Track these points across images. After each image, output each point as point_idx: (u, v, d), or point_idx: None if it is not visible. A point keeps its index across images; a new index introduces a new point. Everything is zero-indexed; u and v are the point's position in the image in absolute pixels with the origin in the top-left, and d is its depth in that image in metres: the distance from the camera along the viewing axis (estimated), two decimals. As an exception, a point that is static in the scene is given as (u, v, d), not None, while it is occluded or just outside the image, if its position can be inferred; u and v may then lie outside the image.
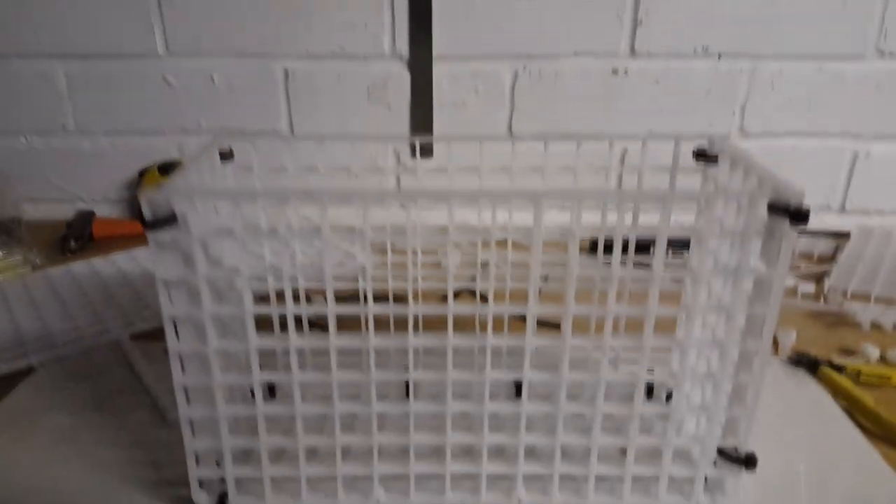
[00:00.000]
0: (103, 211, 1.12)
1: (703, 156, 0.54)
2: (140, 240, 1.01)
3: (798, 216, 0.39)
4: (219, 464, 0.47)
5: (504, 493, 0.49)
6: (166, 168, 1.05)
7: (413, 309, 0.43)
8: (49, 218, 1.11)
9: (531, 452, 0.51)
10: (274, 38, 1.01)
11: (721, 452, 0.47)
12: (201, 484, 0.47)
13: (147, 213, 0.39)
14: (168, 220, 0.40)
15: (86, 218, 1.06)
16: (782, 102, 1.02)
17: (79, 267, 0.90)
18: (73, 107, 1.07)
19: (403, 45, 1.01)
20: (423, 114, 1.05)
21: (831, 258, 0.95)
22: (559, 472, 0.48)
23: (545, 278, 0.44)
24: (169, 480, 0.51)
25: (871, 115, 1.02)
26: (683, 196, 0.42)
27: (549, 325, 0.73)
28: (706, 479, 0.48)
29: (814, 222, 1.04)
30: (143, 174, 1.08)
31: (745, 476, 0.47)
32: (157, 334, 0.73)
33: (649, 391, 0.61)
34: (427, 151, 1.06)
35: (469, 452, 0.50)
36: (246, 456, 0.50)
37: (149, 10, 1.00)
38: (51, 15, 1.01)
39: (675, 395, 0.46)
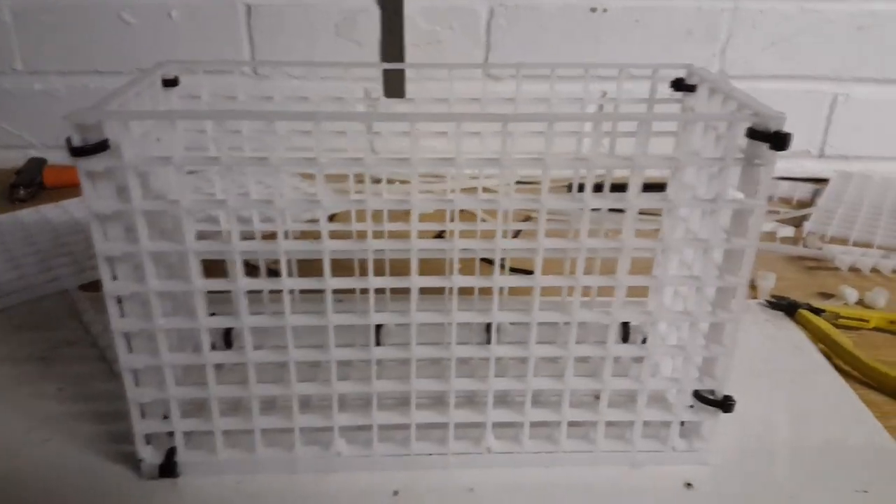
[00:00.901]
0: (57, 158, 1.06)
1: (681, 85, 0.51)
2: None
3: (779, 141, 0.36)
4: (166, 417, 0.44)
5: (473, 441, 0.46)
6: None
7: (372, 244, 0.40)
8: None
9: (502, 399, 0.49)
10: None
11: (697, 395, 0.45)
12: (148, 439, 0.44)
13: (75, 138, 0.35)
14: (99, 146, 0.36)
15: (37, 165, 1.00)
16: (764, 43, 0.98)
17: (28, 214, 0.85)
18: (21, 45, 1.01)
19: (371, -21, 0.95)
20: (395, 51, 1.00)
21: (810, 203, 0.93)
22: (530, 419, 0.45)
23: (516, 234, 0.41)
24: (114, 435, 0.48)
25: (852, 57, 0.99)
26: (660, 117, 0.39)
27: (523, 272, 0.70)
28: (682, 423, 0.46)
29: (794, 167, 1.04)
30: (97, 118, 1.03)
31: (722, 419, 0.45)
32: (109, 283, 0.70)
33: (625, 333, 0.59)
34: (398, 91, 1.02)
35: (437, 401, 0.48)
36: (196, 408, 0.47)
37: (98, -60, 0.94)
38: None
39: (650, 335, 0.44)
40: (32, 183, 0.96)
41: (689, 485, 0.45)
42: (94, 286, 0.69)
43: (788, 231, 0.83)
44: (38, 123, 1.06)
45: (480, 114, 0.39)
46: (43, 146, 1.07)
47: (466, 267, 0.58)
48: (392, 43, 0.99)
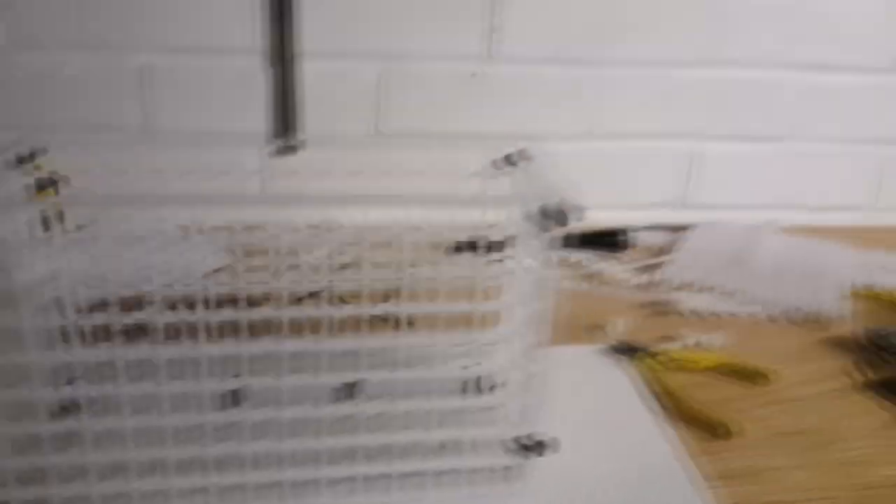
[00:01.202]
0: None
1: (510, 160, 0.58)
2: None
3: (561, 218, 0.42)
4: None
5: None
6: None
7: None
8: None
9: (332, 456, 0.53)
10: (129, 31, 0.98)
11: (516, 441, 0.50)
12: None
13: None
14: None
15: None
16: (627, 106, 1.08)
17: None
18: None
19: (265, 41, 1.00)
20: (287, 112, 1.05)
21: (668, 250, 1.02)
22: (363, 473, 0.50)
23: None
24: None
25: (708, 118, 1.10)
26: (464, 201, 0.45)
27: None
28: (505, 467, 0.52)
29: (658, 217, 1.13)
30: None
31: (541, 461, 0.51)
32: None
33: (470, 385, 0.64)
34: (290, 149, 1.07)
35: (274, 460, 0.51)
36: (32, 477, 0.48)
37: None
38: None
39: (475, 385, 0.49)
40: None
41: (510, 523, 0.50)
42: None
43: (642, 278, 0.91)
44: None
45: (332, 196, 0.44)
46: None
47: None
48: (285, 104, 1.04)
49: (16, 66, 1.00)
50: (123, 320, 0.45)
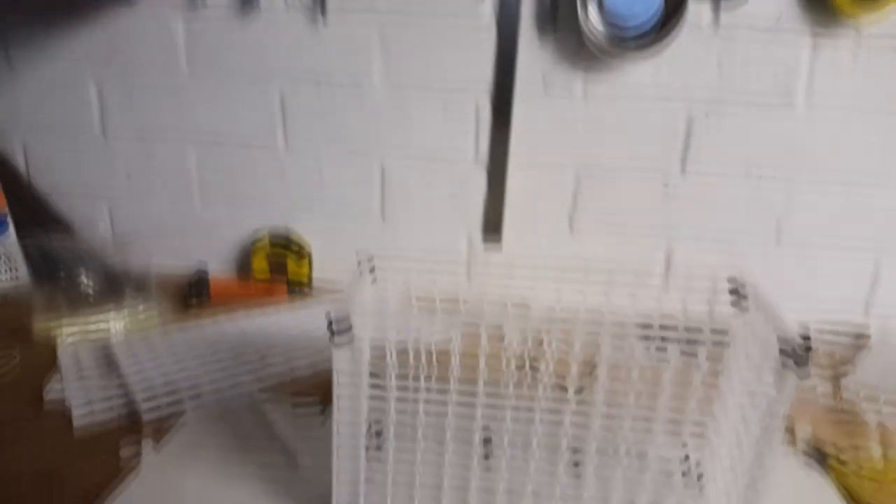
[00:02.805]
0: (215, 268, 1.31)
1: (734, 292, 0.69)
2: (249, 299, 1.19)
3: (798, 359, 0.54)
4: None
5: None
6: (276, 240, 1.24)
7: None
8: (170, 273, 1.30)
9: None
10: (377, 139, 1.20)
11: (737, 530, 0.61)
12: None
13: (334, 325, 0.56)
14: (347, 329, 0.56)
15: (203, 277, 1.25)
16: (814, 219, 1.16)
17: (208, 324, 1.08)
18: (201, 184, 1.27)
19: (484, 152, 1.18)
20: (496, 209, 1.22)
21: (851, 358, 1.08)
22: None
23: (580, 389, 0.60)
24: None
25: (892, 233, 1.16)
26: (720, 337, 0.57)
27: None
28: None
29: (839, 321, 1.18)
30: (255, 242, 1.27)
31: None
32: (280, 387, 0.90)
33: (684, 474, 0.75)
34: (496, 240, 1.24)
35: None
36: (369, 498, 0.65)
37: (273, 110, 1.20)
38: (191, 105, 1.22)
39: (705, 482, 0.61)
40: (201, 293, 1.20)
41: None
42: (271, 389, 0.89)
43: (827, 387, 0.98)
44: (204, 243, 1.31)
45: (560, 318, 0.58)
46: (207, 259, 1.32)
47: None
48: (493, 204, 1.21)
49: (286, 161, 1.23)
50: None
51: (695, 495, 0.62)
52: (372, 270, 0.72)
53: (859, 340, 1.12)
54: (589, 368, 0.61)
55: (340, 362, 0.58)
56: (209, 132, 1.23)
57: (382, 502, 0.63)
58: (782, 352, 0.55)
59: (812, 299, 1.20)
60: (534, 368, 0.62)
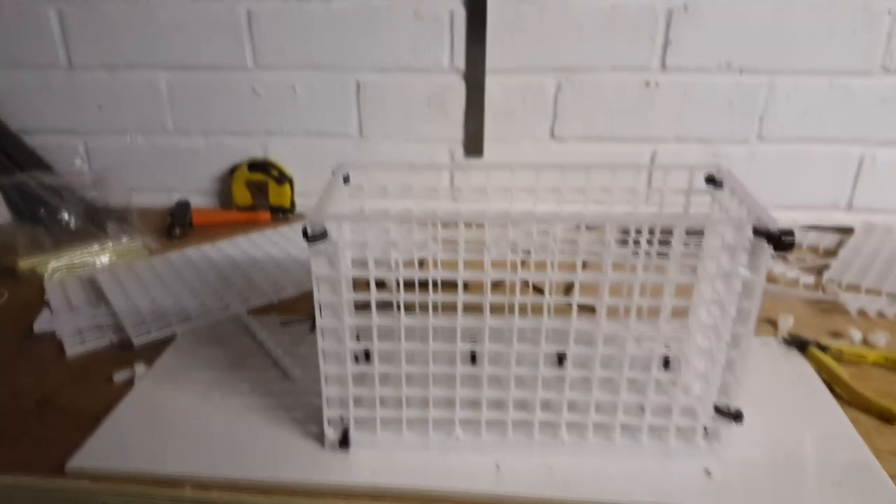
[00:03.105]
0: (196, 200, 1.30)
1: (711, 181, 0.69)
2: (234, 227, 1.19)
3: (772, 239, 0.54)
4: (342, 407, 0.64)
5: (551, 436, 0.65)
6: (255, 165, 1.22)
7: (488, 298, 0.59)
8: (151, 206, 1.29)
9: (573, 406, 0.67)
10: (350, 54, 1.17)
11: (716, 409, 0.62)
12: (329, 422, 0.64)
13: (309, 230, 0.56)
14: (322, 235, 0.56)
15: (184, 207, 1.24)
16: (797, 113, 1.15)
17: (192, 252, 1.08)
18: (173, 110, 1.24)
19: (461, 60, 1.16)
20: (476, 120, 1.20)
21: (834, 251, 1.09)
22: (593, 420, 0.64)
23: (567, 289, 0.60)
24: (300, 420, 0.69)
25: (876, 124, 1.15)
26: (693, 221, 0.57)
27: (587, 309, 0.89)
28: (705, 429, 0.64)
29: (823, 218, 1.19)
30: (233, 170, 1.25)
31: (734, 427, 0.63)
32: (268, 309, 0.91)
33: (667, 363, 0.76)
34: (477, 151, 1.22)
35: (526, 405, 0.66)
36: (360, 402, 0.67)
37: (240, 30, 1.17)
38: (158, 34, 1.18)
39: (682, 366, 0.62)
40: (184, 223, 1.19)
41: (707, 472, 0.63)
42: (259, 311, 0.90)
43: (809, 278, 0.99)
44: (183, 172, 1.30)
45: (555, 215, 0.58)
46: (186, 190, 1.31)
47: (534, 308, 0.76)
48: (473, 114, 1.19)
49: (258, 82, 1.21)
50: (396, 299, 0.60)
51: (673, 381, 0.63)
52: (346, 180, 0.71)
53: (843, 234, 1.13)
54: (568, 269, 0.61)
55: (319, 268, 0.58)
56: (178, 56, 1.20)
57: (371, 403, 0.64)
58: (755, 231, 0.55)
59: (797, 196, 1.20)
60: (518, 272, 0.62)
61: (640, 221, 0.56)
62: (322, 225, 0.56)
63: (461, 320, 0.61)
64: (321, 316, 0.60)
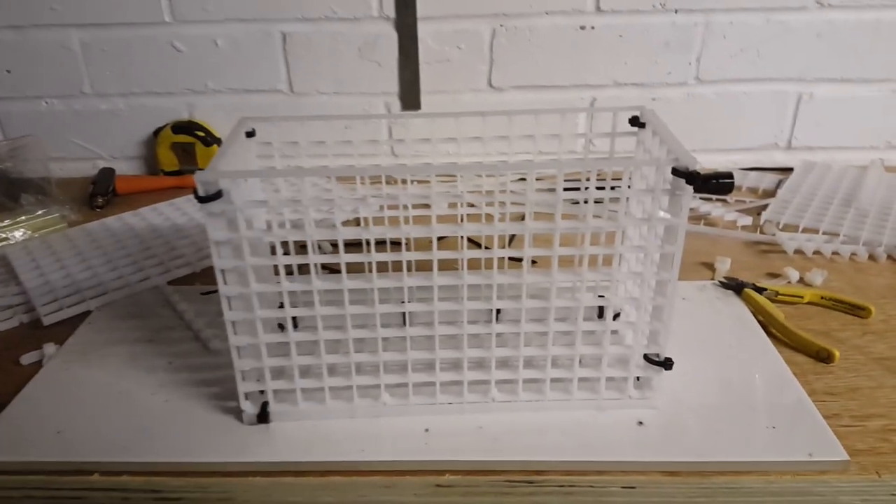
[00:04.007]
0: (122, 167, 1.24)
1: (636, 123, 0.66)
2: (160, 194, 1.14)
3: (692, 178, 0.52)
4: (259, 380, 0.61)
5: (482, 394, 0.63)
6: (179, 127, 1.17)
7: (406, 255, 0.56)
8: (73, 176, 1.23)
9: (503, 363, 0.65)
10: (272, 4, 1.11)
11: (646, 357, 0.61)
12: (247, 396, 0.61)
13: (200, 190, 0.52)
14: (216, 195, 0.52)
15: (108, 175, 1.17)
16: (734, 51, 1.12)
17: (112, 221, 1.02)
18: (90, 72, 1.17)
19: (390, 7, 1.10)
20: (410, 69, 1.15)
21: (774, 192, 1.08)
22: (523, 377, 0.62)
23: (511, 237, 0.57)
24: (217, 395, 0.65)
25: (813, 60, 1.13)
26: (607, 164, 0.54)
27: (515, 261, 0.86)
28: (637, 378, 0.63)
29: (763, 159, 1.18)
30: (157, 133, 1.19)
31: (666, 375, 0.61)
32: (190, 279, 0.87)
33: (601, 313, 0.75)
34: (414, 104, 1.18)
35: (455, 365, 0.64)
36: (280, 373, 0.63)
37: (154, -19, 1.09)
38: (64, -11, 1.10)
39: (606, 314, 0.60)
40: (107, 191, 1.13)
41: (640, 423, 0.61)
42: (180, 281, 0.86)
43: (747, 220, 0.98)
44: (105, 138, 1.23)
45: (479, 164, 0.54)
46: (110, 157, 1.24)
47: (474, 263, 0.73)
48: (407, 62, 1.14)
49: (178, 38, 1.14)
50: (318, 260, 0.57)
51: (605, 331, 0.61)
52: (251, 133, 0.66)
53: (783, 175, 1.12)
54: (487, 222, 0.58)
55: (216, 231, 0.54)
56: (90, 13, 1.12)
57: (291, 374, 0.61)
58: (675, 171, 0.52)
59: (737, 138, 1.19)
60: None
61: (561, 166, 0.53)
62: (215, 183, 0.52)
63: (378, 281, 0.57)
64: (225, 283, 0.56)
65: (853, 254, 0.90)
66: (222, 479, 0.58)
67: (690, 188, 0.53)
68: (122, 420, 0.63)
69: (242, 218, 0.54)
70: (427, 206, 0.56)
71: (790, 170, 1.13)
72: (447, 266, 0.58)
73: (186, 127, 1.17)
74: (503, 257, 0.57)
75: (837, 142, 1.19)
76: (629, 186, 0.60)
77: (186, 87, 1.18)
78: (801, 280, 0.85)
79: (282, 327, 0.67)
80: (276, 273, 0.58)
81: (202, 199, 0.52)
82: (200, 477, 0.58)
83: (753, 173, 1.13)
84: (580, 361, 0.62)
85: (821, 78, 1.14)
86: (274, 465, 0.58)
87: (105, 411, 0.64)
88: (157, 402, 0.65)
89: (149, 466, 0.59)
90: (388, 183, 0.73)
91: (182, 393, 0.66)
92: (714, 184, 0.53)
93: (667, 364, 0.60)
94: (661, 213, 0.54)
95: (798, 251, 0.91)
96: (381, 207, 0.68)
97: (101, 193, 1.12)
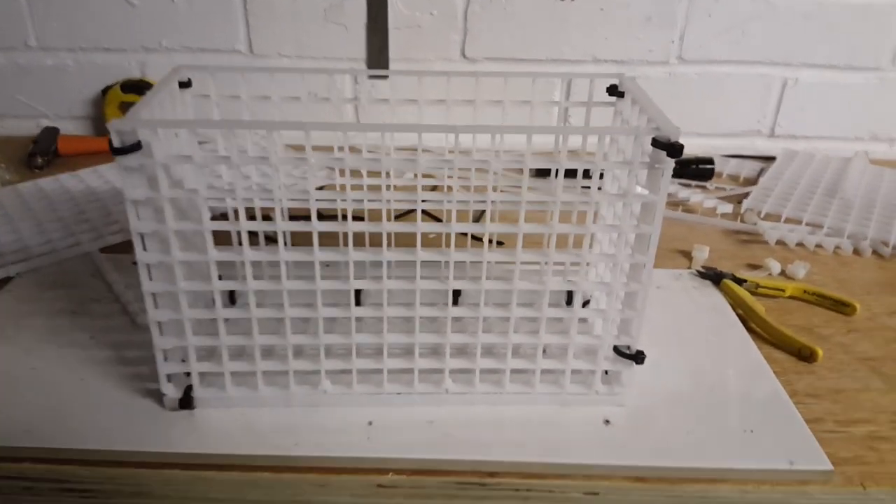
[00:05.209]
0: (67, 127, 1.15)
1: (614, 92, 0.60)
2: (105, 156, 1.05)
3: (674, 150, 0.46)
4: (184, 360, 0.54)
5: (434, 384, 0.57)
6: (129, 86, 1.08)
7: (352, 226, 0.50)
8: (14, 134, 1.14)
9: (459, 350, 0.59)
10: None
11: (616, 350, 0.55)
12: (169, 378, 0.55)
13: (115, 140, 0.45)
14: (134, 146, 0.45)
15: (51, 134, 1.09)
16: (718, 30, 1.07)
17: (47, 182, 0.94)
18: (35, 23, 1.08)
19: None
20: (379, 34, 1.08)
21: (755, 180, 1.03)
22: (481, 366, 0.56)
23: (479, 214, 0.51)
24: (140, 376, 0.58)
25: (800, 44, 1.08)
26: (576, 131, 0.48)
27: (478, 240, 0.80)
28: (606, 372, 0.57)
29: (745, 146, 1.13)
30: (105, 91, 1.11)
31: (637, 370, 0.56)
32: (125, 247, 0.79)
33: (569, 299, 0.69)
34: (382, 71, 1.11)
35: (405, 351, 0.58)
36: (209, 354, 0.57)
37: (104, -74, 1.01)
38: (4, -71, 1.01)
39: (575, 301, 0.54)
40: (48, 151, 1.05)
41: (607, 421, 0.56)
42: (114, 249, 0.78)
43: (727, 207, 0.93)
44: (50, 96, 1.14)
45: (443, 125, 0.48)
46: (55, 116, 1.15)
47: (433, 241, 0.67)
48: (376, 27, 1.07)
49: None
50: (250, 228, 0.50)
51: (572, 319, 0.55)
52: (186, 84, 0.59)
53: (765, 162, 1.07)
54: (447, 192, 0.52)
55: (132, 189, 0.47)
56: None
57: (218, 360, 0.54)
58: (655, 143, 0.46)
59: (719, 122, 1.14)
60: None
61: (531, 132, 0.47)
62: (133, 133, 0.45)
63: (320, 254, 0.51)
64: (144, 249, 0.49)
65: (837, 247, 0.85)
66: (137, 470, 0.52)
67: (671, 161, 0.47)
68: (30, 400, 0.56)
69: (165, 175, 0.47)
70: (378, 174, 0.49)
71: (772, 158, 1.08)
72: (401, 242, 0.52)
73: (137, 86, 1.09)
74: (465, 233, 0.51)
75: (821, 131, 1.15)
76: (604, 158, 0.54)
77: (139, 44, 1.10)
78: (782, 272, 0.80)
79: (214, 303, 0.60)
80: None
81: (117, 151, 0.45)
82: (112, 467, 0.52)
83: (734, 160, 1.07)
84: (544, 351, 0.56)
85: (806, 63, 1.09)
86: (196, 457, 0.52)
87: (12, 389, 0.57)
88: (71, 381, 0.58)
89: (54, 453, 0.52)
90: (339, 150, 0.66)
91: (101, 371, 0.59)
92: (694, 169, 0.48)
93: (638, 357, 0.55)
94: (639, 189, 0.48)
95: (780, 242, 0.86)
96: (331, 171, 0.61)
97: (41, 153, 1.04)
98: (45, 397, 0.56)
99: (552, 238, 0.51)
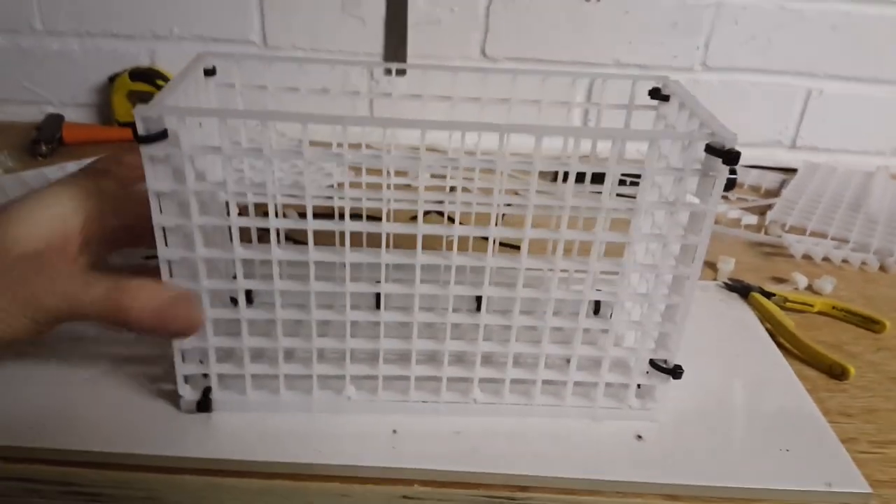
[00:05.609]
0: (72, 115, 1.12)
1: (657, 95, 0.58)
2: (111, 146, 1.03)
3: (730, 158, 0.44)
4: (202, 362, 0.52)
5: (462, 393, 0.55)
6: (138, 74, 1.06)
7: (385, 227, 0.47)
8: (18, 120, 1.11)
9: (487, 359, 0.57)
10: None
11: (652, 363, 0.53)
12: (186, 379, 0.52)
13: (140, 127, 0.42)
14: (160, 135, 0.43)
15: (56, 122, 1.06)
16: (744, 38, 1.05)
17: (52, 171, 0.91)
18: (41, 6, 1.05)
19: (379, -37, 1.01)
20: (398, 30, 1.06)
21: (777, 192, 1.01)
22: (510, 376, 0.54)
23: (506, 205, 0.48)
24: (156, 376, 0.56)
25: (826, 55, 1.06)
26: (632, 134, 0.46)
27: (511, 247, 0.78)
28: (639, 386, 0.55)
29: (765, 156, 1.11)
30: (113, 79, 1.08)
31: (672, 385, 0.54)
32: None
33: (597, 309, 0.67)
34: (401, 71, 1.08)
35: (432, 358, 0.55)
36: (228, 355, 0.54)
37: None
38: None
39: (614, 312, 0.52)
40: (53, 139, 1.02)
41: (639, 437, 0.54)
42: (123, 243, 0.76)
43: (752, 219, 0.91)
44: (55, 82, 1.11)
45: (481, 123, 0.45)
46: (60, 103, 1.13)
47: (461, 244, 0.65)
48: (395, 22, 1.05)
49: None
50: (279, 226, 0.48)
51: (604, 330, 0.53)
52: (211, 72, 0.57)
53: (786, 175, 1.05)
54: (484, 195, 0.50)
55: (156, 181, 0.44)
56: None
57: (239, 362, 0.51)
58: (709, 149, 0.44)
59: (740, 132, 1.11)
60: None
61: (578, 133, 0.45)
62: (160, 121, 0.42)
63: (350, 255, 0.49)
64: (166, 245, 0.46)
65: (863, 262, 0.83)
66: (148, 474, 0.49)
67: (726, 169, 0.45)
68: (36, 398, 0.53)
69: (192, 167, 0.45)
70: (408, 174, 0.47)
71: (793, 170, 1.07)
72: (428, 245, 0.49)
73: (146, 74, 1.06)
74: (496, 238, 0.49)
75: (842, 144, 1.13)
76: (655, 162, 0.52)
77: (149, 31, 1.07)
78: (808, 287, 0.78)
79: (235, 302, 0.58)
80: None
81: (142, 140, 0.43)
82: (123, 471, 0.49)
83: (755, 171, 1.06)
84: (576, 364, 0.53)
85: (832, 75, 1.08)
86: (211, 463, 0.49)
87: (15, 387, 0.54)
88: (80, 379, 0.56)
89: (62, 454, 0.49)
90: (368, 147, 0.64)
91: (112, 369, 0.57)
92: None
93: (675, 372, 0.53)
94: (689, 197, 0.46)
95: (806, 256, 0.84)
96: (358, 171, 0.59)
97: (45, 141, 1.01)
98: (53, 396, 0.54)
99: (597, 246, 0.48)
